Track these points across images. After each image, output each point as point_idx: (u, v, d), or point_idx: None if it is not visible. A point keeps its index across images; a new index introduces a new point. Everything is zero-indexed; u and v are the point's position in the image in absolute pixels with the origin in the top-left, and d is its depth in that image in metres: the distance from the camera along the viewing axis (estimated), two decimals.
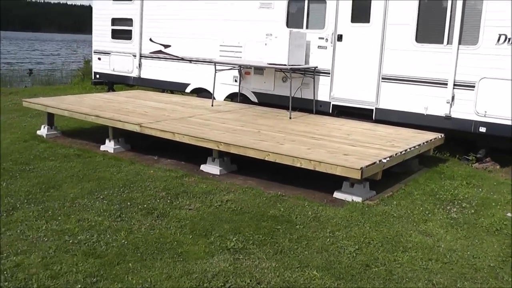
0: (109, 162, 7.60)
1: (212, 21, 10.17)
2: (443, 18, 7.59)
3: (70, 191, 6.16)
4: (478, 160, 7.72)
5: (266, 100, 9.61)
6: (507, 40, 7.11)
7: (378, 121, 8.34)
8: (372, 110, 8.42)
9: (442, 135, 7.59)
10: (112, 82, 12.43)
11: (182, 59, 10.74)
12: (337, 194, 6.29)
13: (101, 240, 4.79)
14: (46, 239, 4.77)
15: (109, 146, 8.48)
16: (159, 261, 4.40)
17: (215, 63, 9.38)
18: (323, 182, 6.55)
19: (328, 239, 4.98)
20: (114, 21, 11.81)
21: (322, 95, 8.91)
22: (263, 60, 9.09)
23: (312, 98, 8.93)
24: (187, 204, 5.84)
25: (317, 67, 8.82)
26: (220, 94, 10.15)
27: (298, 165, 6.15)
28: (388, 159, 6.24)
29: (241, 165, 7.34)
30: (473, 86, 7.43)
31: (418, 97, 7.93)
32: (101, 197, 5.98)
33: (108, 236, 4.88)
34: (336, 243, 4.90)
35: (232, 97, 10.05)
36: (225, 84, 10.06)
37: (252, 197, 6.16)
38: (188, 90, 10.70)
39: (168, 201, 5.92)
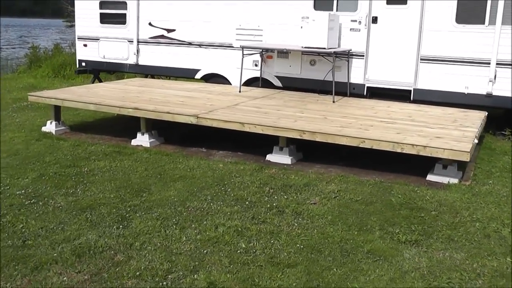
0: (158, 157, 7.14)
1: (226, 4, 9.75)
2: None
3: (166, 193, 5.70)
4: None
5: (292, 84, 9.45)
6: None
7: (416, 101, 8.54)
8: (410, 91, 8.59)
9: (486, 113, 7.93)
10: (99, 70, 11.54)
11: (190, 43, 10.21)
12: (431, 177, 6.39)
13: (270, 246, 4.49)
14: (208, 251, 4.39)
15: (143, 140, 7.95)
16: (352, 263, 4.22)
17: (242, 48, 9.03)
18: (400, 166, 6.63)
19: (477, 223, 5.05)
20: (103, 4, 10.91)
21: (356, 78, 8.93)
22: (297, 44, 8.90)
23: (346, 81, 8.90)
24: (305, 198, 5.63)
25: (351, 49, 8.80)
26: (238, 80, 9.81)
27: (398, 150, 6.15)
28: (476, 140, 6.43)
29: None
30: None
31: (459, 77, 8.21)
32: (209, 198, 5.60)
33: (275, 241, 4.59)
34: (487, 227, 4.98)
35: (249, 83, 9.74)
36: (243, 68, 9.71)
37: (356, 185, 6.08)
38: (198, 76, 10.22)
39: (280, 196, 5.68)
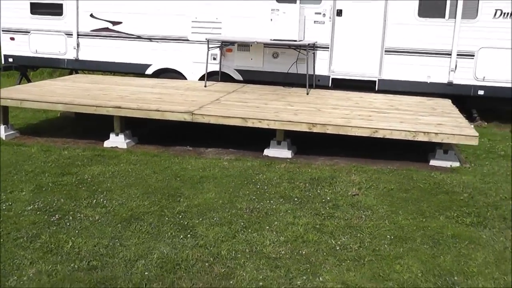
0: (150, 159, 6.69)
1: None
2: None
3: (204, 196, 5.37)
4: (471, 120, 8.92)
5: (254, 78, 9.31)
6: (503, 14, 8.32)
7: (380, 91, 8.90)
8: (375, 81, 8.93)
9: (450, 100, 8.54)
10: (29, 67, 10.34)
11: (139, 37, 9.56)
12: (434, 162, 6.72)
13: (362, 240, 4.43)
14: (305, 252, 4.22)
15: (118, 141, 7.40)
16: (450, 248, 4.32)
17: (208, 40, 8.68)
18: (391, 153, 6.96)
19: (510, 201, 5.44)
20: None
21: (320, 70, 9.06)
22: (262, 36, 8.78)
23: (310, 73, 8.97)
24: (343, 190, 5.62)
25: (316, 42, 8.90)
26: (194, 74, 9.44)
27: (410, 138, 6.38)
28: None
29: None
30: (473, 55, 8.52)
31: (421, 67, 8.73)
32: (253, 197, 5.38)
33: (361, 235, 4.53)
34: None
35: (207, 77, 9.41)
36: (198, 62, 9.37)
37: (378, 175, 6.20)
38: (149, 71, 9.62)
39: (319, 190, 5.62)
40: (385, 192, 5.59)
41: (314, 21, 8.93)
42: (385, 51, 8.80)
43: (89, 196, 5.36)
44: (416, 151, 7.02)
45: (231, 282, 3.72)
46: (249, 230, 4.55)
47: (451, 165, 6.61)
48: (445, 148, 6.69)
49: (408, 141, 6.46)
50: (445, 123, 6.77)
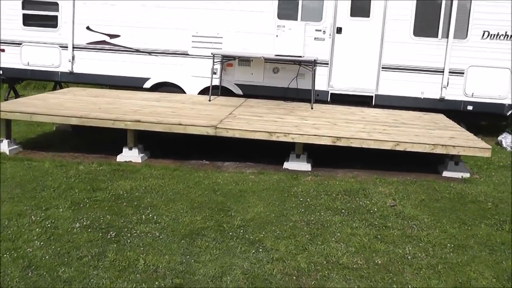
0: (170, 173, 6.68)
1: (180, 9, 9.30)
2: (438, 16, 8.96)
3: (254, 210, 5.47)
4: None
5: (254, 92, 9.45)
6: (490, 35, 8.92)
7: (377, 106, 9.28)
8: (372, 96, 9.30)
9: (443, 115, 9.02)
10: (19, 79, 9.97)
11: (138, 50, 9.48)
12: (447, 173, 7.10)
13: (425, 250, 4.65)
14: (392, 263, 4.40)
15: (132, 155, 7.34)
16: (508, 254, 4.63)
17: (213, 55, 8.75)
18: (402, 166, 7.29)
19: None
20: (27, 4, 9.45)
21: (320, 85, 9.32)
22: (264, 52, 8.99)
23: (309, 88, 9.18)
24: (380, 201, 5.85)
25: (317, 58, 9.17)
26: (193, 88, 9.47)
27: (428, 150, 6.71)
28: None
29: None
30: (463, 73, 9.06)
31: (416, 84, 9.17)
32: (302, 210, 5.49)
33: (424, 245, 4.75)
34: None
35: (205, 91, 9.47)
36: (198, 77, 9.42)
37: (404, 186, 6.48)
38: (147, 85, 9.54)
39: (358, 201, 5.83)
40: (419, 202, 5.87)
41: (315, 38, 9.20)
42: (382, 67, 9.19)
43: (135, 212, 5.31)
44: (419, 162, 7.38)
45: None
46: (317, 242, 4.67)
47: (462, 176, 7.01)
48: (456, 160, 7.08)
49: (415, 153, 6.78)
50: (456, 136, 7.18)
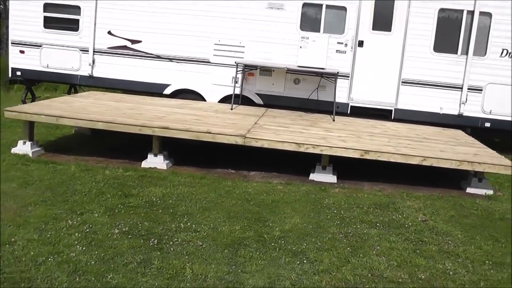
0: (198, 181, 6.73)
1: (203, 17, 9.35)
2: (458, 32, 9.07)
3: (290, 221, 5.52)
4: None
5: (274, 102, 9.50)
6: (508, 54, 9.06)
7: (396, 120, 9.36)
8: (391, 110, 9.39)
9: (462, 131, 9.12)
10: (37, 81, 9.96)
11: (159, 56, 9.51)
12: (470, 190, 7.18)
13: (465, 266, 4.72)
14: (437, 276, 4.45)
15: (157, 161, 7.36)
16: None
17: (237, 64, 8.81)
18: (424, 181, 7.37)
19: None
20: (49, 7, 9.46)
21: (340, 97, 9.39)
22: (288, 62, 9.06)
23: (330, 100, 9.26)
24: (412, 216, 5.91)
25: (339, 71, 9.25)
26: (214, 96, 9.51)
27: (454, 166, 6.80)
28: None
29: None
30: (481, 90, 9.18)
31: (435, 99, 9.27)
32: (338, 222, 5.54)
33: (462, 260, 4.81)
34: None
35: (225, 99, 9.51)
36: (219, 85, 9.47)
37: (432, 201, 6.55)
38: (167, 91, 9.56)
39: (390, 215, 5.89)
40: (449, 218, 5.94)
41: (336, 50, 9.27)
42: (402, 82, 9.28)
43: (172, 220, 5.33)
44: (439, 177, 7.46)
45: None
46: (358, 255, 4.72)
47: (486, 193, 7.09)
48: (480, 177, 7.17)
49: (435, 168, 6.88)
50: (479, 153, 7.26)
